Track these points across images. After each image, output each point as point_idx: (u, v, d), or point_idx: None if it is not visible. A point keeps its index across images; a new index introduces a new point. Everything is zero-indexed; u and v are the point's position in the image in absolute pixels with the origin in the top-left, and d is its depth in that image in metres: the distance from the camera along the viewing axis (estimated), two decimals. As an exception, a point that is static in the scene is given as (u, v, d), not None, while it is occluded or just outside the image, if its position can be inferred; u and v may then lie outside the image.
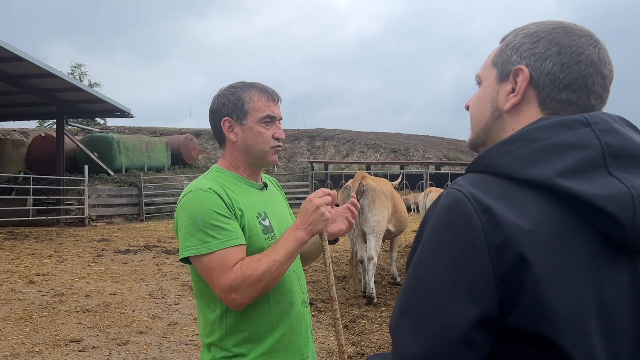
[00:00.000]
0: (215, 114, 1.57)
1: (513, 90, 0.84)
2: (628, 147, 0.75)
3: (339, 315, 1.53)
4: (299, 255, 1.64)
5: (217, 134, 1.59)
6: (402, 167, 21.96)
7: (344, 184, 6.51)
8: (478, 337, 0.70)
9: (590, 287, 0.70)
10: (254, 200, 1.54)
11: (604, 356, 0.69)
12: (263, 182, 1.64)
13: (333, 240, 1.67)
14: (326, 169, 23.11)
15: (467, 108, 0.95)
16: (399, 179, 8.77)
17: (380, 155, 26.04)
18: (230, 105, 1.53)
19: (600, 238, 0.72)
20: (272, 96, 1.55)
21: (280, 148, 1.58)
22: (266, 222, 1.53)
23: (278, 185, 1.81)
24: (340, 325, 1.53)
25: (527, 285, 0.68)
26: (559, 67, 0.81)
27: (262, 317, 1.47)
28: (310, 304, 6.11)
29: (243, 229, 1.45)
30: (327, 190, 1.54)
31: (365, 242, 6.10)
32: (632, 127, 0.80)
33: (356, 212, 1.64)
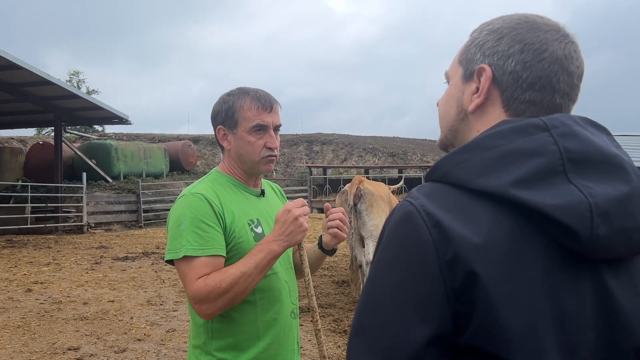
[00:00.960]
0: (212, 121, 1.58)
1: (477, 90, 0.81)
2: (589, 151, 0.71)
3: (320, 326, 1.50)
4: (292, 265, 1.64)
5: (217, 141, 1.60)
6: (400, 171, 21.97)
7: (343, 188, 6.50)
8: (430, 356, 0.67)
9: (546, 301, 0.66)
10: (248, 206, 1.53)
11: None
12: (262, 189, 1.63)
13: (332, 251, 1.66)
14: (324, 173, 23.11)
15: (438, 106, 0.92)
16: (400, 183, 8.75)
17: (378, 160, 26.05)
18: (223, 113, 1.54)
19: (559, 248, 0.68)
20: (265, 104, 1.51)
21: (273, 157, 1.54)
22: (259, 230, 1.51)
23: (281, 193, 1.79)
24: (322, 337, 1.49)
25: (478, 301, 0.65)
26: (521, 66, 0.77)
27: (248, 324, 1.46)
28: (308, 309, 6.00)
29: (232, 234, 1.44)
30: (304, 201, 1.51)
31: (364, 247, 6.09)
32: (599, 128, 0.76)
33: (340, 223, 1.60)
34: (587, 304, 0.69)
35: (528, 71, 0.77)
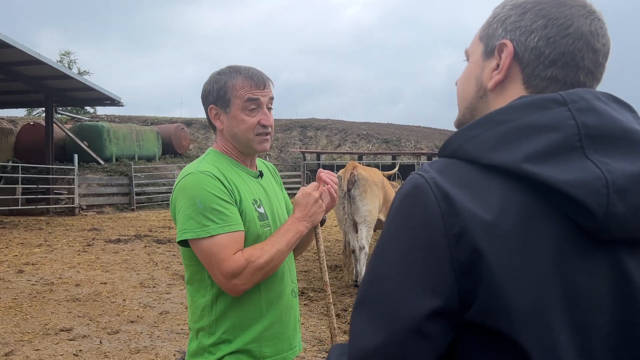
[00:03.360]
0: (203, 101, 1.55)
1: (498, 66, 0.79)
2: (609, 127, 0.68)
3: (331, 300, 1.56)
4: None
5: (209, 121, 1.57)
6: (394, 158, 21.99)
7: (336, 173, 6.48)
8: (433, 329, 0.66)
9: (555, 280, 0.65)
10: (250, 186, 1.53)
11: (572, 353, 0.64)
12: (259, 171, 1.62)
13: (321, 221, 1.65)
14: (318, 159, 23.08)
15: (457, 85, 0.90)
16: (395, 169, 8.75)
17: (372, 146, 26.04)
18: (215, 93, 1.51)
19: (573, 227, 0.66)
20: (257, 82, 1.49)
21: (267, 135, 1.52)
22: (261, 210, 1.52)
23: (275, 172, 1.78)
24: (333, 310, 1.55)
25: (483, 278, 0.64)
26: (544, 42, 0.75)
27: (252, 304, 1.46)
28: (302, 293, 6.10)
29: (241, 214, 1.44)
30: (317, 184, 1.57)
31: (357, 232, 6.11)
32: (623, 104, 0.73)
33: (336, 187, 1.63)
34: (602, 286, 0.67)
35: (551, 47, 0.75)
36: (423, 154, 21.53)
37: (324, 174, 1.60)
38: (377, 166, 18.58)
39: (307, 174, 20.69)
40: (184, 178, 1.44)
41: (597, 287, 0.66)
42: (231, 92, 1.48)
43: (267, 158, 24.17)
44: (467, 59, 0.88)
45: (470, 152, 0.71)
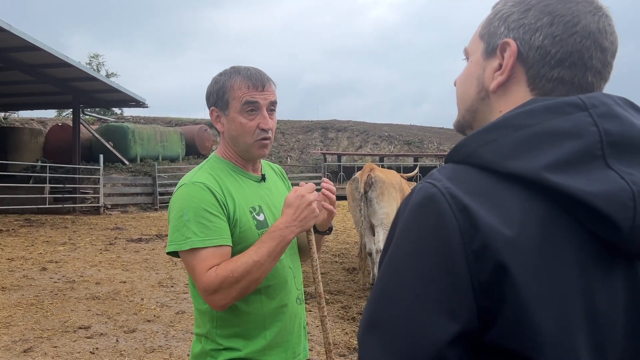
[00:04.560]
0: (207, 102, 1.52)
1: (500, 67, 0.74)
2: (630, 134, 0.64)
3: (326, 313, 1.47)
4: (296, 251, 1.59)
5: (213, 123, 1.54)
6: (416, 160, 21.78)
7: (354, 176, 6.45)
8: (454, 354, 0.61)
9: (579, 297, 0.61)
10: (249, 193, 1.48)
11: None
12: (262, 174, 1.57)
13: (325, 231, 1.60)
14: (339, 160, 23.06)
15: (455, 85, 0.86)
16: (415, 171, 8.64)
17: (394, 148, 25.87)
18: (214, 94, 1.48)
19: (593, 240, 0.62)
20: (256, 83, 1.43)
21: (267, 140, 1.47)
22: (261, 217, 1.46)
23: (283, 175, 1.72)
24: (328, 324, 1.47)
25: (508, 298, 0.60)
26: (550, 40, 0.71)
27: (254, 313, 1.43)
28: (315, 296, 6.02)
29: (235, 223, 1.40)
30: (314, 185, 1.44)
31: (374, 235, 6.06)
32: (637, 109, 0.70)
33: (333, 196, 1.53)
34: (619, 301, 0.64)
35: (557, 46, 0.71)
36: (445, 155, 21.22)
37: (324, 183, 1.53)
38: (398, 168, 18.45)
39: (327, 175, 20.67)
40: (178, 189, 1.43)
41: (614, 303, 0.63)
42: (229, 93, 1.44)
43: (288, 160, 24.24)
44: (467, 58, 0.83)
45: (485, 159, 0.66)
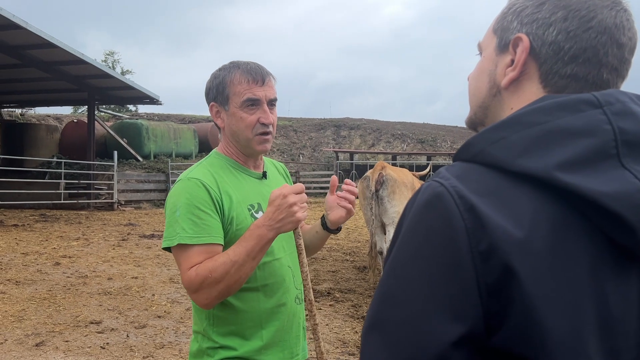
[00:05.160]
0: (206, 97, 1.50)
1: (512, 62, 0.73)
2: None
3: (318, 321, 1.42)
4: (296, 250, 1.55)
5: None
6: (429, 158, 21.67)
7: (365, 174, 6.42)
8: (458, 357, 0.60)
9: (591, 302, 0.59)
10: (248, 190, 1.46)
11: None
12: (263, 171, 1.55)
13: (336, 230, 1.57)
14: (351, 158, 23.01)
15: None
16: (427, 169, 8.56)
17: (407, 146, 25.73)
18: (214, 89, 1.46)
19: (606, 241, 0.60)
20: (256, 77, 1.41)
21: (268, 135, 1.44)
22: (259, 215, 1.43)
23: (286, 173, 1.70)
24: (319, 332, 1.42)
25: (515, 301, 0.58)
26: (564, 36, 0.68)
27: (251, 312, 1.41)
28: (328, 293, 5.97)
29: (231, 221, 1.38)
30: (303, 187, 1.38)
31: (385, 233, 6.02)
32: None
33: (352, 197, 1.53)
34: (633, 306, 0.62)
35: (571, 41, 0.68)
36: (454, 154, 21.06)
37: (346, 185, 1.52)
38: (411, 167, 18.35)
39: (340, 173, 20.64)
40: (174, 185, 1.42)
41: (628, 308, 0.61)
42: (229, 88, 1.42)
43: (300, 157, 24.25)
44: (480, 53, 0.81)
45: (494, 157, 0.65)
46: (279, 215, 1.30)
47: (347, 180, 1.58)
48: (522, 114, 0.66)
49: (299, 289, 1.52)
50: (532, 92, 0.72)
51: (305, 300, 1.42)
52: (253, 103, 1.42)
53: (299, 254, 1.42)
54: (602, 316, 0.60)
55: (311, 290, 1.41)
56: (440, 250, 0.62)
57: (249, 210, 1.44)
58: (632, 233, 0.59)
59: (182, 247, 1.33)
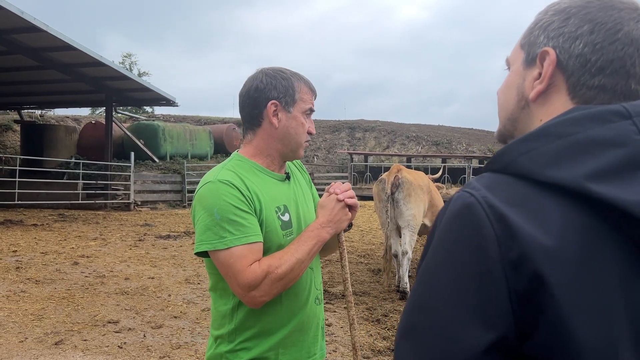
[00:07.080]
0: (261, 93, 1.46)
1: (540, 75, 0.74)
2: None
3: (353, 313, 1.49)
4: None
5: (254, 116, 1.48)
6: (444, 161, 21.49)
7: (381, 176, 6.40)
8: None
9: (623, 311, 0.59)
10: (274, 193, 1.48)
11: None
12: (286, 173, 1.57)
13: (348, 226, 1.59)
14: (366, 160, 22.94)
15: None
16: (439, 173, 8.51)
17: (421, 148, 25.59)
18: (282, 89, 1.47)
19: (637, 252, 0.61)
20: (314, 91, 1.55)
21: (307, 143, 1.57)
22: (285, 217, 1.47)
23: (302, 167, 1.72)
24: (357, 325, 1.49)
25: (546, 309, 0.59)
26: (590, 48, 0.70)
27: (273, 314, 1.43)
28: (343, 295, 5.95)
29: (261, 224, 1.40)
30: (350, 185, 1.52)
31: (400, 236, 5.99)
32: None
33: (350, 193, 1.57)
34: None
35: (598, 54, 0.70)
36: (474, 157, 20.92)
37: (332, 188, 1.53)
38: (426, 169, 18.23)
39: (354, 175, 20.60)
40: (203, 187, 1.41)
41: None
42: (299, 94, 1.50)
43: (315, 159, 24.27)
44: (508, 68, 0.83)
45: (524, 167, 0.66)
46: (336, 216, 1.46)
47: (333, 184, 1.59)
48: (552, 125, 0.67)
49: (319, 289, 1.57)
50: (560, 104, 0.73)
51: (346, 295, 1.54)
52: (311, 113, 1.54)
53: (340, 247, 1.56)
54: (635, 326, 0.60)
55: (350, 286, 1.55)
56: (471, 258, 0.63)
57: (276, 212, 1.45)
58: None
59: (231, 249, 1.34)
